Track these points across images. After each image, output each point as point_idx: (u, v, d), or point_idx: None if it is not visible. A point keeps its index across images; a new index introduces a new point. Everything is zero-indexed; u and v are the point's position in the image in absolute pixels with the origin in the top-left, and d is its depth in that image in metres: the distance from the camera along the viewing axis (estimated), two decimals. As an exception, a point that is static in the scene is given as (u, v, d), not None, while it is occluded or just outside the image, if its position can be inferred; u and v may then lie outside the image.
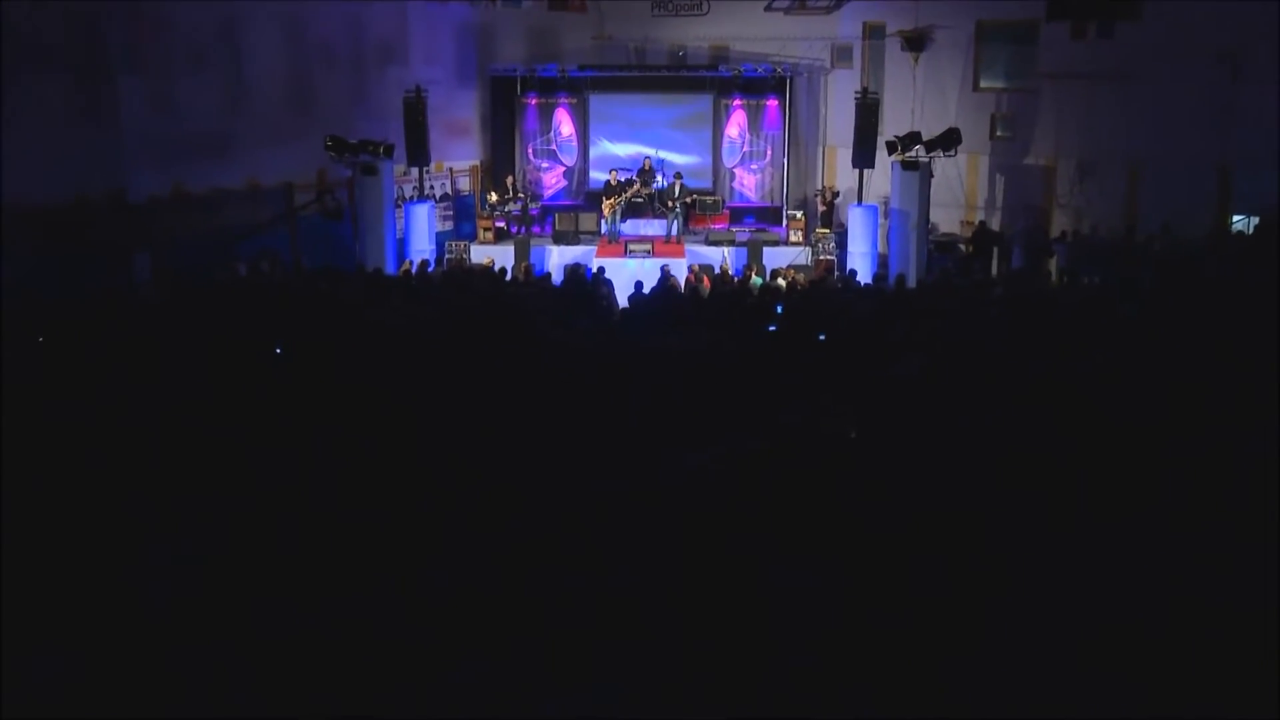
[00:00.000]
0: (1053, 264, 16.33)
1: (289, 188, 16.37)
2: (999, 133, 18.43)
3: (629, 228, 18.74)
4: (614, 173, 18.57)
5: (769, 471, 4.78)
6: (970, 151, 17.73)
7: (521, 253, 17.23)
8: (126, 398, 5.95)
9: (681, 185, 18.35)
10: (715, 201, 19.67)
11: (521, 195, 18.72)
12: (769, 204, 20.23)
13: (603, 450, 5.22)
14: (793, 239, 18.35)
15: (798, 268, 16.81)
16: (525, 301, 11.62)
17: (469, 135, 20.28)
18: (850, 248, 17.19)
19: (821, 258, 17.37)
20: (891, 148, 16.42)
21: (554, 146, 20.29)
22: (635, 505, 4.34)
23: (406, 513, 4.28)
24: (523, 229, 18.55)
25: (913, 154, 16.16)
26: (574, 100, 20.11)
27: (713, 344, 8.34)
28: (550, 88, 19.96)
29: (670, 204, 18.20)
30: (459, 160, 20.02)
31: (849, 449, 5.40)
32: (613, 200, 18.12)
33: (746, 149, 20.23)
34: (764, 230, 19.32)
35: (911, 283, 14.82)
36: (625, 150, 19.68)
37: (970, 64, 18.60)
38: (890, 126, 17.90)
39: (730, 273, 15.96)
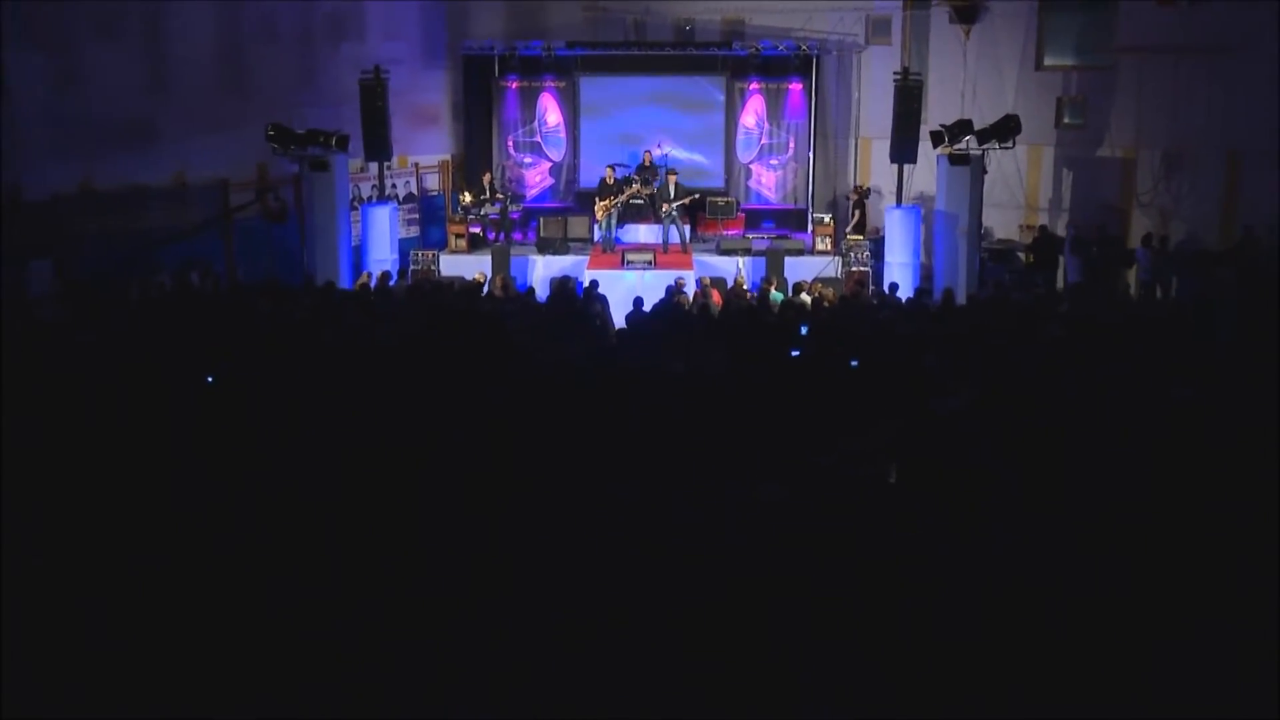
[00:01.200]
0: (1132, 275, 16.35)
1: (223, 185, 16.41)
2: (1067, 119, 18.48)
3: (627, 234, 18.77)
4: (610, 169, 18.53)
5: (794, 519, 4.80)
6: (1031, 142, 17.77)
7: (500, 263, 17.24)
8: (17, 434, 5.96)
9: (677, 185, 18.17)
10: (728, 203, 19.68)
11: (500, 196, 18.74)
12: (791, 206, 20.25)
13: (596, 488, 5.25)
14: (820, 247, 18.39)
15: (825, 281, 16.81)
16: (505, 321, 11.65)
17: (438, 125, 20.36)
18: (888, 257, 17.23)
19: (854, 269, 17.37)
20: (937, 139, 16.47)
21: (538, 138, 20.33)
22: (636, 549, 4.39)
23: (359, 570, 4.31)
24: (502, 235, 18.59)
25: (962, 146, 16.22)
26: (562, 84, 20.14)
27: (725, 371, 8.37)
28: (534, 69, 20.01)
29: (664, 207, 18.03)
30: (426, 154, 20.09)
31: (887, 495, 5.42)
32: (608, 202, 18.13)
33: (765, 141, 20.29)
34: (786, 237, 19.33)
35: (961, 299, 14.84)
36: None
37: (1033, 38, 18.66)
38: (936, 114, 17.97)
39: (745, 286, 15.99)
